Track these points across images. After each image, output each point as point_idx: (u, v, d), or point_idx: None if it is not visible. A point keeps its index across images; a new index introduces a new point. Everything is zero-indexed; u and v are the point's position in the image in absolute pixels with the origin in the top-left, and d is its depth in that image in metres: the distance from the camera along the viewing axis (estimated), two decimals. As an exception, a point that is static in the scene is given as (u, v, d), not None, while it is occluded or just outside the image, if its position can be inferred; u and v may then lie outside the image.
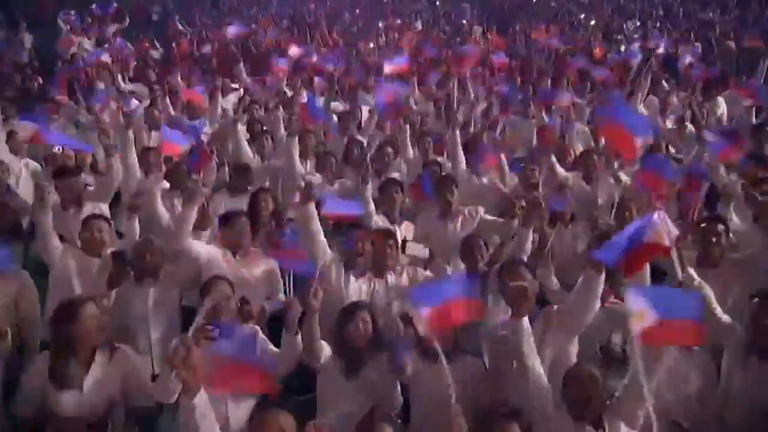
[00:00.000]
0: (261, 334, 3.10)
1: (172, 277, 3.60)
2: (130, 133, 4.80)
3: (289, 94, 7.80)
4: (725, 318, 3.11)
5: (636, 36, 11.19)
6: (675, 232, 2.79)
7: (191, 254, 3.63)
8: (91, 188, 4.66)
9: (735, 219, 4.11)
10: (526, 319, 2.73)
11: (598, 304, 2.95)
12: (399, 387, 2.97)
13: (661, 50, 9.07)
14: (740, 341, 2.96)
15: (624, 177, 4.87)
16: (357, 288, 3.64)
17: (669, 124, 6.66)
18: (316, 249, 3.69)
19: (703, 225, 3.67)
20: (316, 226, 3.75)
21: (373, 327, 3.03)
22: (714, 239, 3.58)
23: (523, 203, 3.99)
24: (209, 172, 4.77)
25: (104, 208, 4.45)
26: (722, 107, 7.39)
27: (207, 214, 3.98)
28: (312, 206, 3.76)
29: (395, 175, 5.13)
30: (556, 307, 3.11)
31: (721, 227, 3.63)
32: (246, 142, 5.64)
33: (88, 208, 4.29)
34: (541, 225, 3.72)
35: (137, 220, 3.92)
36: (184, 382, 2.21)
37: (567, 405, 2.58)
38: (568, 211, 4.43)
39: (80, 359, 2.69)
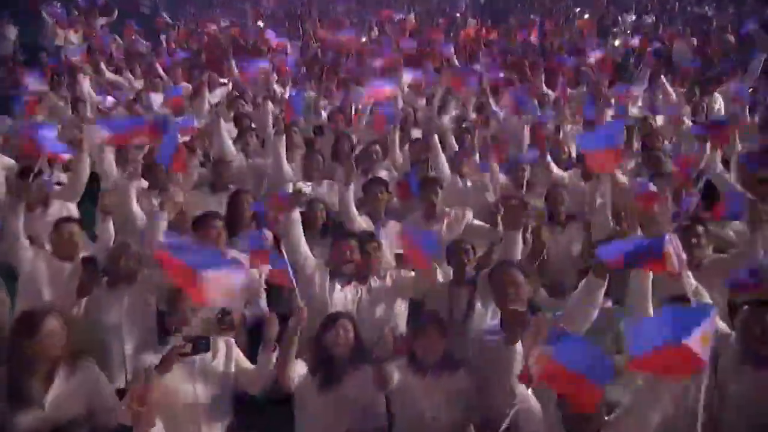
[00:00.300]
0: (236, 349, 2.95)
1: (149, 282, 3.41)
2: None
3: (279, 90, 7.64)
4: (722, 325, 2.99)
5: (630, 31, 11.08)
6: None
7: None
8: (58, 188, 4.45)
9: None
10: (519, 344, 2.62)
11: (596, 313, 2.80)
12: (384, 403, 2.82)
13: (649, 48, 8.92)
14: (734, 349, 2.84)
15: (621, 177, 4.72)
16: (342, 297, 3.48)
17: (660, 120, 6.51)
18: (297, 257, 3.53)
19: (684, 226, 3.56)
20: (299, 233, 3.59)
21: (354, 337, 2.89)
22: (695, 240, 3.48)
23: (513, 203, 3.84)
24: (187, 170, 4.59)
25: (72, 208, 4.26)
26: (719, 102, 7.26)
27: (185, 217, 3.81)
28: (296, 213, 3.59)
29: (383, 173, 4.97)
30: (549, 315, 2.96)
31: (701, 228, 3.53)
32: (229, 139, 5.48)
33: (55, 208, 4.11)
34: (539, 231, 3.53)
35: (112, 221, 3.75)
36: (135, 417, 2.05)
37: (563, 422, 2.44)
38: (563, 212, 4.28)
39: (40, 376, 2.51)
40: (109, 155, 4.59)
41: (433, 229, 4.19)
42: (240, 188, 4.50)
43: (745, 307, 2.84)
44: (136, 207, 4.11)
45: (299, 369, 2.89)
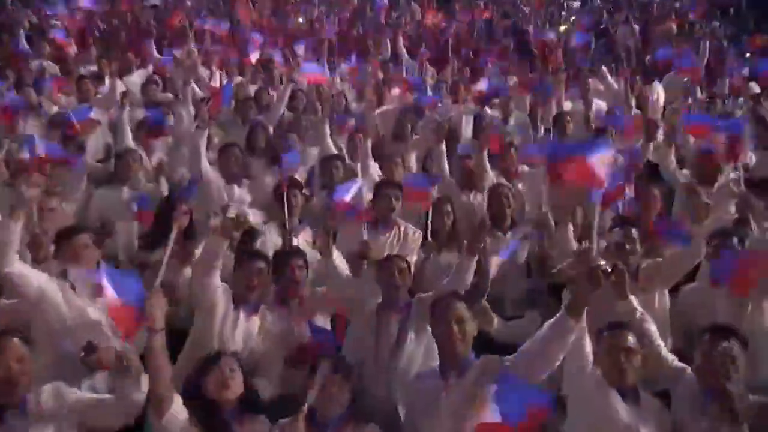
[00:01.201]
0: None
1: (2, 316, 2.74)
2: None
3: (205, 74, 6.91)
4: (671, 358, 2.63)
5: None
6: None
7: (13, 284, 2.72)
8: None
9: None
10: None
11: (561, 357, 2.33)
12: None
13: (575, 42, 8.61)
14: (693, 386, 2.47)
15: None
16: (246, 330, 2.95)
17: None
18: (208, 295, 2.94)
19: (615, 229, 3.20)
20: (216, 272, 2.94)
21: (244, 381, 2.37)
22: (629, 246, 3.10)
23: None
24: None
25: None
26: (658, 92, 6.99)
27: (41, 243, 3.08)
28: (224, 244, 2.93)
29: (300, 171, 4.45)
30: (507, 360, 2.44)
31: (634, 231, 3.16)
32: (130, 133, 4.86)
33: None
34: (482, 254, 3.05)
35: None
36: None
37: None
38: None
39: None
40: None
41: (380, 239, 3.68)
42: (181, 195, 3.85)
43: (705, 335, 2.47)
44: None
45: (177, 410, 2.29)
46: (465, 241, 3.41)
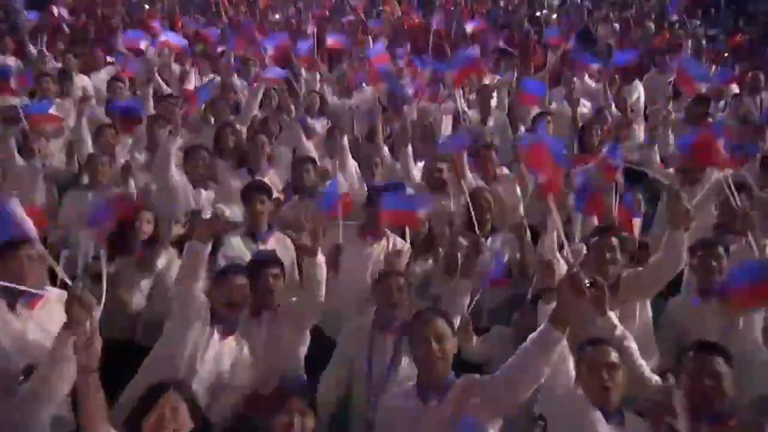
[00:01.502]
0: None
1: None
2: None
3: (177, 69, 6.64)
4: (654, 378, 2.48)
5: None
6: None
7: None
8: None
9: None
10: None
11: (546, 374, 2.16)
12: None
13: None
14: (681, 407, 2.30)
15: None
16: (218, 352, 2.72)
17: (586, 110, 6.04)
18: (188, 300, 2.71)
19: (594, 239, 3.04)
20: (200, 275, 2.75)
21: (193, 418, 2.13)
22: (609, 255, 2.93)
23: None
24: None
25: None
26: (638, 92, 6.87)
27: None
28: (208, 247, 2.75)
29: (269, 174, 4.23)
30: (485, 380, 2.28)
31: (614, 240, 2.99)
32: (89, 137, 4.62)
33: None
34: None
35: None
36: None
37: None
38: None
39: None
40: None
41: (365, 250, 3.49)
42: (140, 203, 3.72)
43: (690, 353, 2.34)
44: None
45: None
46: (440, 249, 3.28)
